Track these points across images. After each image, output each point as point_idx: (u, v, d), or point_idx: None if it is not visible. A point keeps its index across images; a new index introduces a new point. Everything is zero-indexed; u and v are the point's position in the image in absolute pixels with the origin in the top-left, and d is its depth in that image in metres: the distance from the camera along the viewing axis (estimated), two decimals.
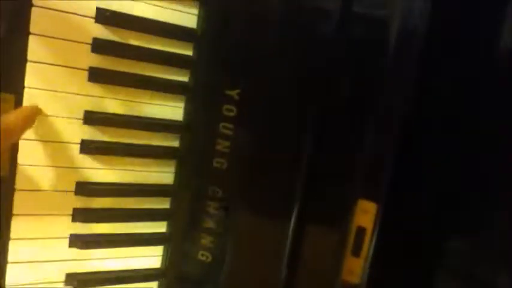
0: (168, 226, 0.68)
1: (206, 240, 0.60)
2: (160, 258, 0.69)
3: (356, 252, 0.45)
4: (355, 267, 0.45)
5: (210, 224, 0.60)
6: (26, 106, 0.57)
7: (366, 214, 0.44)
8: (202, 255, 0.61)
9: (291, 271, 0.50)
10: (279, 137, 0.54)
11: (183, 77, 0.65)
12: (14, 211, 0.58)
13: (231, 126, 0.57)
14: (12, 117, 0.54)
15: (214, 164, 0.59)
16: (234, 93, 0.56)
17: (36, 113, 0.57)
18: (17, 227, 0.58)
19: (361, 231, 0.44)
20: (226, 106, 0.57)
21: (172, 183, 0.68)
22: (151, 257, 0.69)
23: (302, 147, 0.51)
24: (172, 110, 0.66)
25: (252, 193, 0.57)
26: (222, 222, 0.59)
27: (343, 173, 0.47)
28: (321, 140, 0.49)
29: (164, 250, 0.69)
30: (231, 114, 0.57)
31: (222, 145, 0.58)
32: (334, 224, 0.47)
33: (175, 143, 0.67)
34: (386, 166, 0.44)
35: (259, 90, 0.55)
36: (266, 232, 0.55)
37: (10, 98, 0.57)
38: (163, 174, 0.68)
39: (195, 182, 0.63)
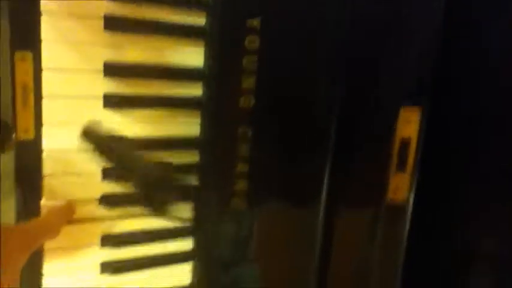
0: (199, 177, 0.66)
1: (239, 186, 0.58)
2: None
3: (401, 167, 0.42)
4: (402, 183, 0.42)
5: (243, 168, 0.58)
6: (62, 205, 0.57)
7: (409, 124, 0.41)
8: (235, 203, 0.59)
9: (334, 196, 0.48)
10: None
11: (200, 20, 0.62)
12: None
13: (255, 58, 0.54)
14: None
15: (241, 104, 0.56)
16: (255, 22, 0.53)
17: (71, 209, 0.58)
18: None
19: (405, 143, 0.41)
20: (248, 37, 0.54)
21: (198, 135, 0.66)
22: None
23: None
24: (192, 56, 0.63)
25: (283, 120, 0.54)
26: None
27: (385, 79, 0.44)
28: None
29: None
30: (255, 46, 0.54)
31: (247, 82, 0.55)
32: (377, 138, 0.44)
33: (199, 91, 0.65)
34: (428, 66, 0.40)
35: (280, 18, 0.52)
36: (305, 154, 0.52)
37: (28, 55, 0.55)
38: (188, 126, 0.66)
39: (223, 127, 0.60)
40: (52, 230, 0.55)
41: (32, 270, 0.58)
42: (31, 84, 0.55)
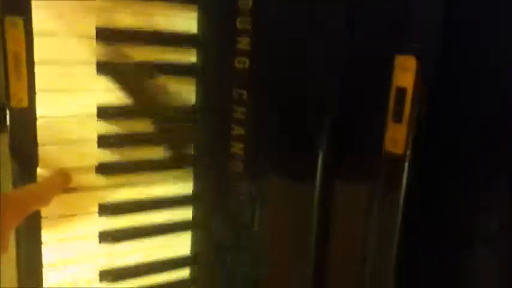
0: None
1: (235, 148, 0.57)
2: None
3: (398, 118, 0.41)
4: (398, 135, 0.41)
5: (238, 130, 0.57)
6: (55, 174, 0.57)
7: (405, 72, 0.40)
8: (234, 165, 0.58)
9: (332, 147, 0.47)
10: None
11: None
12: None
13: (249, 19, 0.53)
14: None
15: (236, 65, 0.55)
16: None
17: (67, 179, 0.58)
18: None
19: (401, 92, 0.40)
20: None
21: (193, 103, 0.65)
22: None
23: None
24: (186, 22, 0.62)
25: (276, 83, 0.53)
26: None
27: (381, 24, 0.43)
28: None
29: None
30: (248, 7, 0.53)
31: (242, 43, 0.54)
32: (373, 87, 0.43)
33: (193, 58, 0.64)
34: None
35: None
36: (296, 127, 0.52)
37: (18, 21, 0.55)
38: (184, 93, 0.65)
39: (217, 91, 0.60)
40: (44, 198, 0.55)
41: (31, 240, 0.58)
42: (23, 51, 0.55)
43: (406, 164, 0.41)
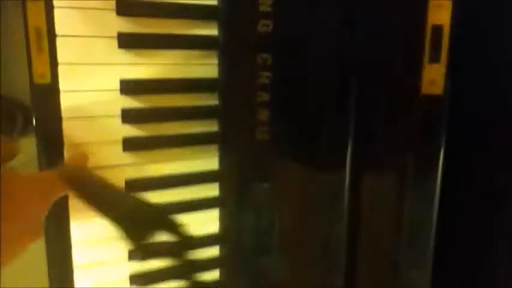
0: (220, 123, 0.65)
1: (263, 115, 0.56)
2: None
3: (435, 57, 0.40)
4: (436, 75, 0.40)
5: (264, 97, 0.56)
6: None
7: (441, 9, 0.39)
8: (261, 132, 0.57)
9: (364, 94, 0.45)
10: None
11: None
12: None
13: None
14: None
15: (260, 29, 0.54)
16: None
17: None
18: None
19: (437, 30, 0.39)
20: None
21: (217, 76, 0.64)
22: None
23: None
24: None
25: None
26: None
27: None
28: None
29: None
30: None
31: (265, 4, 0.54)
32: (409, 26, 0.42)
33: (215, 31, 0.63)
34: None
35: None
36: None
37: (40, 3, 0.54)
38: (207, 67, 0.64)
39: (242, 60, 0.59)
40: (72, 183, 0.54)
41: (60, 225, 0.58)
42: (44, 26, 0.54)
43: (446, 103, 0.40)
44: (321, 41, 0.52)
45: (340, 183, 0.50)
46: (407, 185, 0.45)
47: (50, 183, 0.51)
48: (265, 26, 0.54)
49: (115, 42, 0.58)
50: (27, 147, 0.57)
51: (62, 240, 0.58)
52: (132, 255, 0.62)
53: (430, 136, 0.42)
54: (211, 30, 0.63)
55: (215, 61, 0.64)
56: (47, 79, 0.56)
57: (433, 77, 0.40)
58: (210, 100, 0.65)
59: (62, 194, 0.52)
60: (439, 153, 0.42)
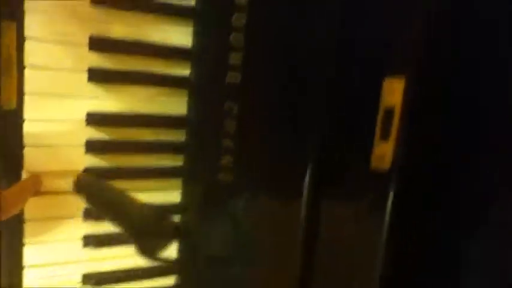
0: (185, 157, 0.66)
1: (225, 161, 0.58)
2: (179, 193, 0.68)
3: (385, 136, 0.43)
4: (385, 152, 0.43)
5: (229, 142, 0.58)
6: (26, 179, 0.56)
7: (393, 94, 0.42)
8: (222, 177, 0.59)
9: (319, 164, 0.48)
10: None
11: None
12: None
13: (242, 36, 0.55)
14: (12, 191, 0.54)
15: (228, 80, 0.56)
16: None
17: (37, 182, 0.57)
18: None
19: (389, 112, 0.42)
20: (236, 15, 0.54)
21: (186, 114, 0.66)
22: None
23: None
24: (180, 35, 0.63)
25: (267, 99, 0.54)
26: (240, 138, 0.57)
27: (370, 52, 0.45)
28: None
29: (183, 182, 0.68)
30: (241, 23, 0.54)
31: (235, 58, 0.56)
32: (362, 107, 0.45)
33: (186, 72, 0.65)
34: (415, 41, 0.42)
35: None
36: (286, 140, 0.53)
37: (11, 25, 0.55)
38: (175, 105, 0.65)
39: (209, 104, 0.61)
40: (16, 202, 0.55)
41: (13, 242, 0.57)
42: (14, 53, 0.55)
43: (393, 180, 0.43)
44: (286, 99, 0.54)
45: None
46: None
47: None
48: (233, 78, 0.56)
49: (85, 76, 0.58)
50: None
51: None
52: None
53: (377, 204, 0.44)
54: (183, 70, 0.64)
55: (184, 99, 0.65)
56: (13, 105, 0.56)
57: (383, 153, 0.43)
58: (176, 136, 0.66)
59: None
60: (384, 222, 0.45)
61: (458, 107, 0.45)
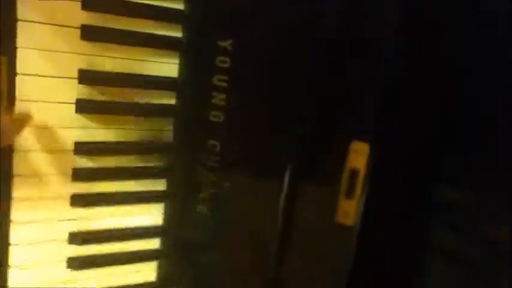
0: (168, 183, 0.69)
1: (204, 194, 0.61)
2: (161, 216, 0.71)
3: (350, 194, 0.45)
4: (349, 209, 0.46)
5: (209, 177, 0.61)
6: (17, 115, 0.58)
7: (358, 155, 0.44)
8: (201, 208, 0.62)
9: (287, 219, 0.51)
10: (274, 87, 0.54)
11: (175, 33, 0.64)
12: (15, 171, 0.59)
13: (225, 78, 0.57)
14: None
15: (211, 118, 0.59)
16: (226, 44, 0.56)
17: (27, 120, 0.58)
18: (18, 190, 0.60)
19: (354, 172, 0.45)
20: (219, 58, 0.57)
21: (171, 141, 0.68)
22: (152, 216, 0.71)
23: (297, 93, 0.51)
24: (167, 67, 0.66)
25: (248, 142, 0.57)
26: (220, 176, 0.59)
27: (335, 116, 0.48)
28: (315, 84, 0.49)
29: (165, 207, 0.70)
30: (225, 65, 0.57)
31: (218, 98, 0.58)
32: (328, 167, 0.48)
33: (172, 101, 0.67)
34: (377, 107, 0.44)
35: (251, 41, 0.55)
36: (261, 182, 0.56)
37: (3, 59, 0.57)
38: (161, 132, 0.68)
39: (193, 137, 0.63)
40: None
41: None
42: (5, 87, 0.57)
43: (355, 234, 0.46)
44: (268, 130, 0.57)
45: None
46: None
47: None
48: (216, 117, 0.59)
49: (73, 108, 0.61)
50: None
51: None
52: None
53: (341, 254, 0.48)
54: (169, 100, 0.67)
55: (170, 128, 0.68)
56: None
57: (347, 210, 0.46)
58: (160, 161, 0.69)
59: None
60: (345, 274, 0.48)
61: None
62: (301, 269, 0.53)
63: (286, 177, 0.51)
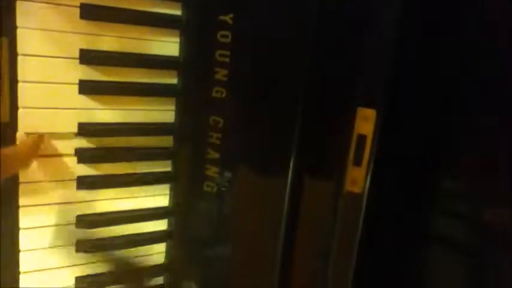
0: (173, 163, 0.69)
1: (211, 171, 0.61)
2: (167, 197, 0.71)
3: (358, 161, 0.45)
4: (358, 177, 0.45)
5: (214, 154, 0.60)
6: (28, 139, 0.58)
7: (366, 121, 0.44)
8: (208, 186, 0.62)
9: (295, 187, 0.51)
10: (276, 55, 0.54)
11: (175, 11, 0.64)
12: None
13: (227, 53, 0.56)
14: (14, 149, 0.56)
15: (214, 94, 0.59)
16: (227, 17, 0.55)
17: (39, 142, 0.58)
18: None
19: (361, 139, 0.45)
20: (221, 32, 0.56)
21: (173, 121, 0.68)
22: (159, 196, 0.71)
23: (300, 59, 0.50)
24: (168, 45, 0.65)
25: (251, 118, 0.57)
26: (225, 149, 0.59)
27: (343, 82, 0.47)
28: (320, 51, 0.49)
29: (171, 188, 0.70)
30: (227, 40, 0.56)
31: (221, 74, 0.58)
32: (336, 134, 0.47)
33: (174, 80, 0.67)
34: (385, 72, 0.44)
35: (252, 14, 0.55)
36: (267, 156, 0.56)
37: (3, 40, 0.56)
38: (163, 112, 0.68)
39: (195, 115, 0.63)
40: (23, 160, 0.57)
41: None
42: (6, 69, 0.56)
43: (364, 202, 0.46)
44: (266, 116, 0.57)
45: None
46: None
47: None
48: (219, 93, 0.58)
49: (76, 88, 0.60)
50: None
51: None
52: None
53: (349, 226, 0.48)
54: (171, 79, 0.66)
55: (172, 107, 0.68)
56: (6, 118, 0.58)
57: (355, 178, 0.46)
58: (165, 143, 0.69)
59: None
60: (354, 247, 0.48)
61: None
62: (311, 240, 0.54)
63: (293, 149, 0.50)
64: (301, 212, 0.53)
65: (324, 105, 0.49)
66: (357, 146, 0.45)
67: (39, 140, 0.59)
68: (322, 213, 0.52)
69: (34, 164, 0.59)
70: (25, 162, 0.58)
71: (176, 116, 0.67)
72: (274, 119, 0.55)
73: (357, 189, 0.46)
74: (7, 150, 0.56)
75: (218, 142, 0.60)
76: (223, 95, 0.58)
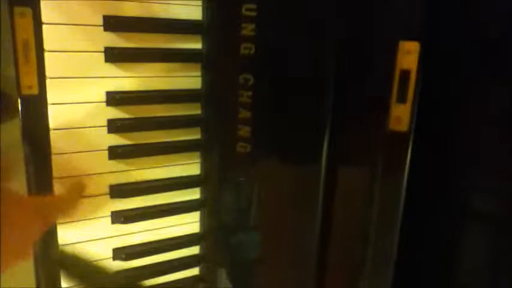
0: (202, 129, 0.68)
1: (243, 131, 0.60)
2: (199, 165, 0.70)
3: (402, 98, 0.44)
4: (402, 114, 0.44)
5: (245, 113, 0.59)
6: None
7: (408, 55, 0.43)
8: (241, 146, 0.61)
9: (336, 125, 0.50)
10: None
11: None
12: None
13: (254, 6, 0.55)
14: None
15: (242, 51, 0.57)
16: None
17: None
18: None
19: (405, 74, 0.43)
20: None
21: (200, 87, 0.67)
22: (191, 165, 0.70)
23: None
24: (192, 9, 0.64)
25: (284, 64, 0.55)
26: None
27: (380, 17, 0.46)
28: None
29: (201, 155, 0.70)
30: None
31: (248, 29, 0.56)
32: (377, 69, 0.46)
33: (198, 45, 0.66)
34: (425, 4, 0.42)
35: None
36: (301, 102, 0.55)
37: (27, 11, 0.56)
38: (190, 79, 0.67)
39: (224, 75, 0.62)
40: (68, 209, 0.57)
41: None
42: (32, 40, 0.56)
43: (411, 140, 0.45)
44: (299, 67, 0.55)
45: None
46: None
47: (52, 207, 0.54)
48: (247, 49, 0.57)
49: (102, 56, 0.60)
50: (11, 131, 0.59)
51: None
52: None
53: (395, 168, 0.46)
54: (195, 44, 0.65)
55: (198, 73, 0.67)
56: (35, 90, 0.57)
57: (400, 115, 0.44)
58: (193, 110, 0.68)
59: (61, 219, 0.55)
60: (401, 189, 0.46)
61: None
62: (351, 187, 0.52)
63: (331, 91, 0.49)
64: (338, 172, 0.52)
65: (362, 41, 0.47)
66: (400, 81, 0.44)
67: (79, 185, 0.59)
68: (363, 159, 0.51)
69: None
70: (67, 212, 0.57)
71: (203, 81, 0.66)
72: (310, 61, 0.53)
73: (402, 127, 0.44)
74: (47, 199, 0.55)
75: (249, 100, 0.59)
76: (252, 51, 0.57)
